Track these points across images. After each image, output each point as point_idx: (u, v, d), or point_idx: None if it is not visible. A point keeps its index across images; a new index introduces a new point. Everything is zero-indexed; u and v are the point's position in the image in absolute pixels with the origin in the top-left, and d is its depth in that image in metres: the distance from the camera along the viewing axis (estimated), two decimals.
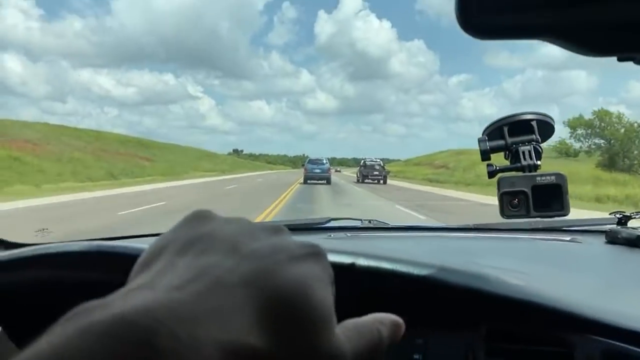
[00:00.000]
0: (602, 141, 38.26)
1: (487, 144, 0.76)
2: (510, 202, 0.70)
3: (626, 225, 1.20)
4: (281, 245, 0.26)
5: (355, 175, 32.34)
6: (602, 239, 1.18)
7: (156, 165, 36.08)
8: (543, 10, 0.40)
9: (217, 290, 0.22)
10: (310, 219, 1.43)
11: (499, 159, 0.79)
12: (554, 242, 1.22)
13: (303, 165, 28.83)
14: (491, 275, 0.68)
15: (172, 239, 0.26)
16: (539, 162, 0.72)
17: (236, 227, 0.27)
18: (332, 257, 0.64)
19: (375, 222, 1.43)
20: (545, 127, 0.77)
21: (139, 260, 0.26)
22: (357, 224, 1.41)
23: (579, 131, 40.09)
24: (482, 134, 0.78)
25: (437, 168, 46.90)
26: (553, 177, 0.69)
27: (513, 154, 0.74)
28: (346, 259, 0.64)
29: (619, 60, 0.42)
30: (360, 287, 0.66)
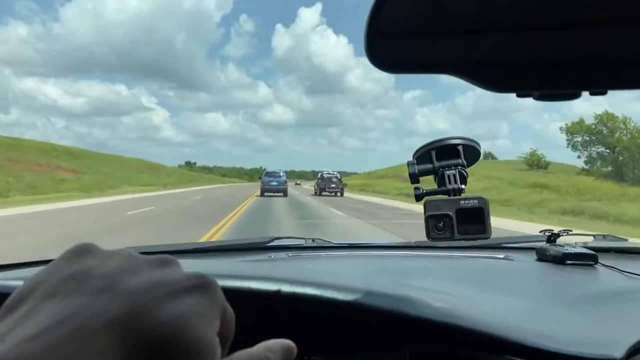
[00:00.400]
0: (605, 150, 32.39)
1: (416, 167, 0.78)
2: (436, 225, 0.72)
3: (555, 242, 1.26)
4: (163, 279, 0.26)
5: (314, 188, 32.08)
6: (533, 256, 1.23)
7: (82, 179, 31.12)
8: (445, 49, 0.41)
9: (77, 338, 0.21)
10: (253, 238, 1.41)
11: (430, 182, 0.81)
12: (488, 259, 1.26)
13: (260, 177, 28.65)
14: (417, 297, 0.69)
15: (42, 280, 0.25)
16: (463, 186, 0.75)
17: (117, 261, 0.26)
18: (258, 285, 0.63)
19: (319, 240, 1.44)
20: (471, 152, 0.79)
21: (4, 305, 0.25)
22: (301, 242, 1.41)
23: (578, 138, 34.22)
24: (413, 157, 0.80)
25: (407, 181, 43.37)
26: (476, 201, 0.71)
27: (440, 178, 0.76)
28: (272, 286, 0.63)
29: (518, 96, 0.44)
30: (287, 313, 0.66)
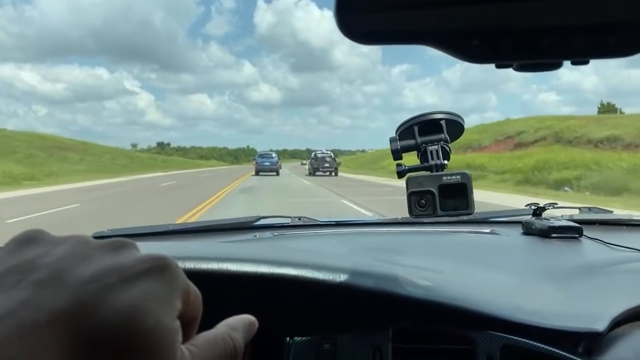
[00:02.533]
0: None
1: (398, 143, 0.76)
2: (418, 202, 0.70)
3: (540, 216, 1.26)
4: (116, 265, 0.24)
5: (308, 169, 31.10)
6: (519, 229, 1.23)
7: None
8: (421, 18, 0.39)
9: (17, 335, 0.20)
10: (237, 218, 1.40)
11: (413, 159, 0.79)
12: (474, 234, 1.26)
13: (254, 159, 31.21)
14: (401, 275, 0.68)
15: None
16: (446, 162, 0.73)
17: (66, 248, 0.25)
18: (237, 266, 0.62)
19: (305, 218, 1.42)
20: (454, 126, 0.78)
21: None
22: (287, 221, 1.39)
23: None
24: (395, 133, 0.79)
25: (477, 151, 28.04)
26: (459, 177, 0.70)
27: (422, 154, 0.75)
28: (250, 268, 0.62)
29: (497, 67, 0.42)
30: (268, 295, 0.65)
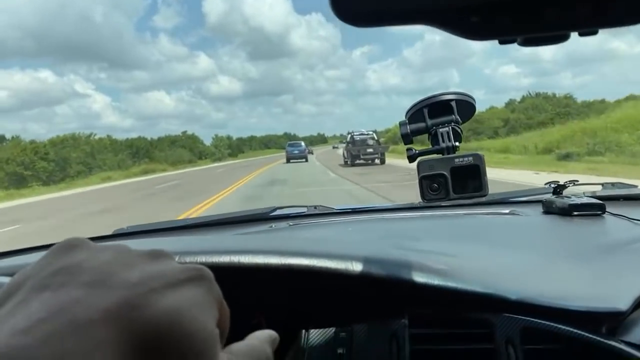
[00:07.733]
0: None
1: (408, 127, 0.75)
2: (430, 186, 0.69)
3: (561, 194, 1.23)
4: (159, 271, 0.25)
5: (344, 157, 23.56)
6: (540, 209, 1.20)
7: None
8: None
9: (72, 330, 0.21)
10: (253, 210, 1.40)
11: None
12: (493, 215, 1.24)
13: (285, 148, 34.20)
14: (416, 261, 0.67)
15: (33, 273, 0.24)
16: (457, 144, 0.71)
17: (110, 255, 0.26)
18: (248, 259, 0.62)
19: (321, 207, 1.42)
20: (465, 107, 0.76)
21: None
22: (303, 210, 1.39)
23: None
24: (405, 116, 0.77)
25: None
26: (471, 158, 0.68)
27: (433, 136, 0.73)
28: (263, 260, 0.62)
29: (501, 43, 0.40)
30: (282, 286, 0.65)
